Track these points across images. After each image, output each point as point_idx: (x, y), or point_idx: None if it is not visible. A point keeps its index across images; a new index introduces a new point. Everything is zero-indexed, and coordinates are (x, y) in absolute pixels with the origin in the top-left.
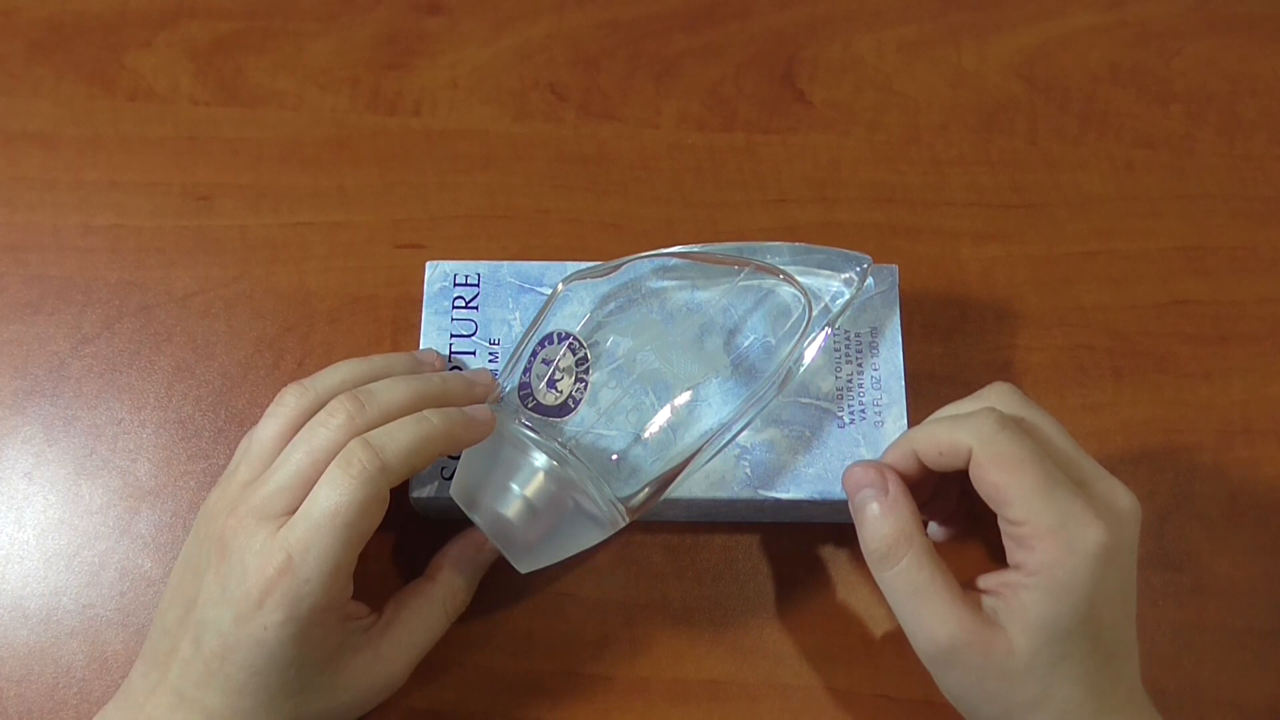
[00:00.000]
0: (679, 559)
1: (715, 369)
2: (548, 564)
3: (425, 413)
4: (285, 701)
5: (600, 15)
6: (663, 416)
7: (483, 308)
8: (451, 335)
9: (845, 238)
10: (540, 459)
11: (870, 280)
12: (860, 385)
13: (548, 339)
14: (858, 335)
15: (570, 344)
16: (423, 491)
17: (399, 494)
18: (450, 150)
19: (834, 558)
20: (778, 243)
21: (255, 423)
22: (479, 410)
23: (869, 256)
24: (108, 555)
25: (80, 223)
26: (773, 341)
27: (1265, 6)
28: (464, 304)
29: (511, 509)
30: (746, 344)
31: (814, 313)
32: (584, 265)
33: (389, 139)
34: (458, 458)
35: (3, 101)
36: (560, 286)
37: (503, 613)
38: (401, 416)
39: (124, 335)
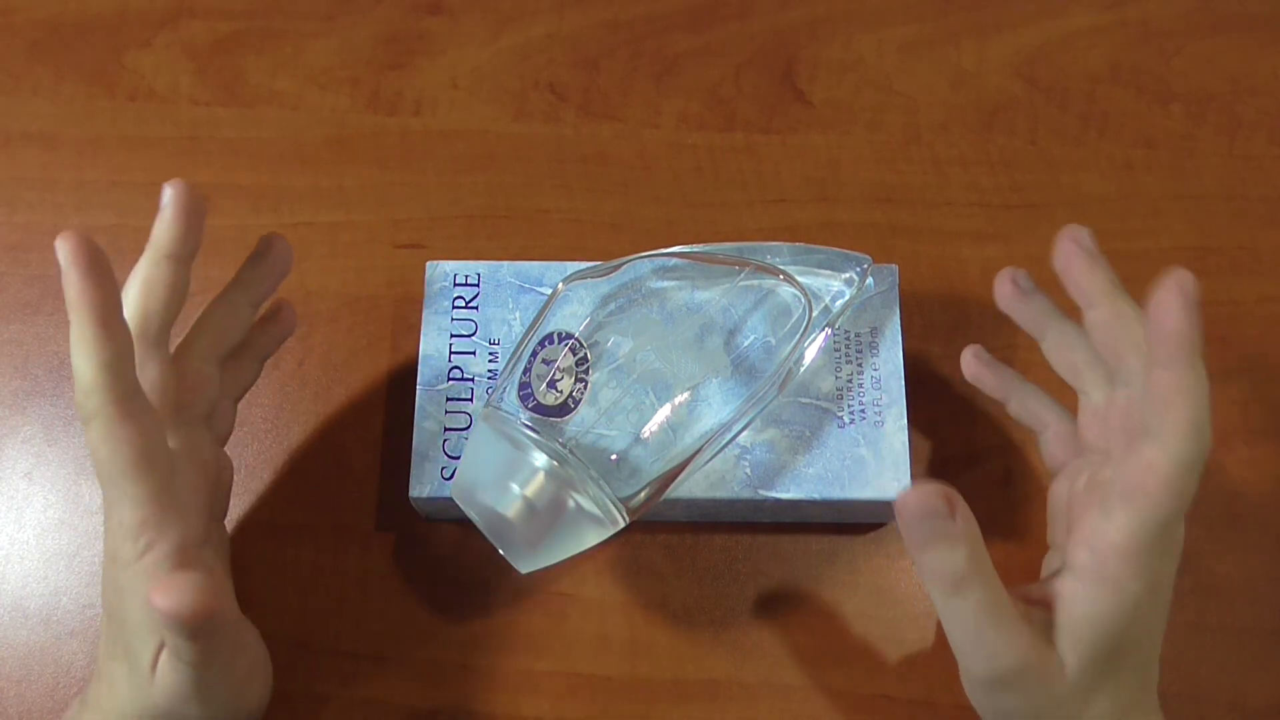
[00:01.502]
0: (679, 559)
1: (715, 369)
2: (548, 564)
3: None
4: (135, 674)
5: (600, 15)
6: (663, 416)
7: (483, 308)
8: (451, 335)
9: (845, 238)
10: (540, 459)
11: (870, 280)
12: (860, 385)
13: (548, 339)
14: (858, 335)
15: (570, 344)
16: (422, 491)
17: (399, 494)
18: (450, 150)
19: (834, 558)
20: (778, 243)
21: (254, 423)
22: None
23: (869, 257)
24: None
25: (80, 223)
26: (773, 341)
27: (1265, 6)
28: (464, 304)
29: (511, 509)
30: (746, 344)
31: (814, 313)
32: (584, 265)
33: (389, 139)
34: (459, 457)
35: (3, 101)
36: (560, 286)
37: (503, 613)
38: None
39: None
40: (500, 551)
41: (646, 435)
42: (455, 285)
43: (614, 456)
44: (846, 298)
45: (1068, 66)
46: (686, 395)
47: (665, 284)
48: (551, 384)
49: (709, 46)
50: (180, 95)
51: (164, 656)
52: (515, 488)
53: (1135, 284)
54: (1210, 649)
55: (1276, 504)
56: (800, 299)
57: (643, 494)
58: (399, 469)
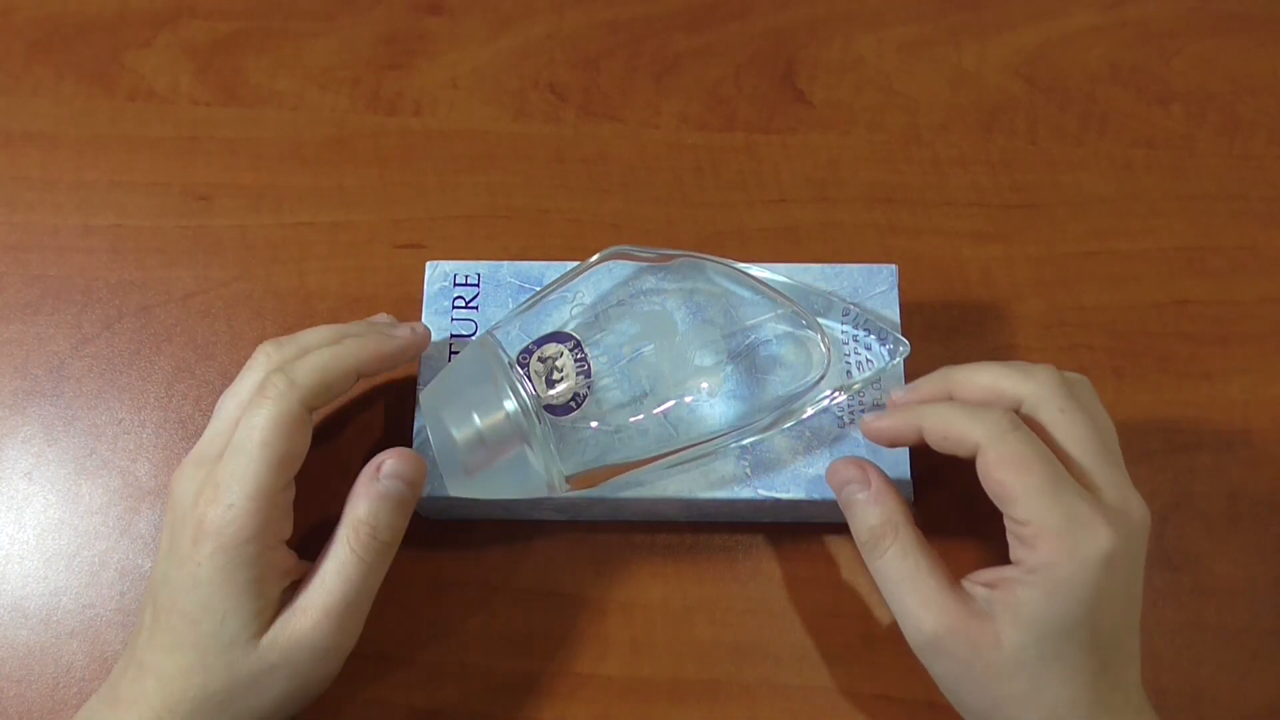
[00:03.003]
0: (679, 559)
1: (710, 387)
2: (477, 497)
3: (339, 336)
4: (218, 658)
5: (600, 15)
6: (642, 415)
7: (483, 308)
8: (451, 335)
9: (845, 238)
10: (510, 404)
11: (899, 360)
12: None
13: (547, 340)
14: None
15: (570, 344)
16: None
17: None
18: (450, 150)
19: (834, 558)
20: (837, 295)
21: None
22: (399, 329)
23: (909, 343)
24: (108, 555)
25: (80, 223)
26: (780, 383)
27: (1265, 6)
28: (464, 304)
29: (462, 432)
30: (750, 374)
31: (829, 374)
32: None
33: (389, 139)
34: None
35: (3, 101)
36: (595, 258)
37: (503, 613)
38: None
39: (124, 335)
40: (438, 467)
41: (617, 428)
42: (455, 285)
43: (581, 437)
44: (872, 370)
45: (1068, 66)
46: (672, 403)
47: (704, 290)
48: (551, 383)
49: (709, 46)
50: (180, 95)
51: (309, 595)
52: (476, 418)
53: (1135, 284)
54: (1210, 649)
55: (1276, 504)
56: (825, 356)
57: (583, 472)
58: None
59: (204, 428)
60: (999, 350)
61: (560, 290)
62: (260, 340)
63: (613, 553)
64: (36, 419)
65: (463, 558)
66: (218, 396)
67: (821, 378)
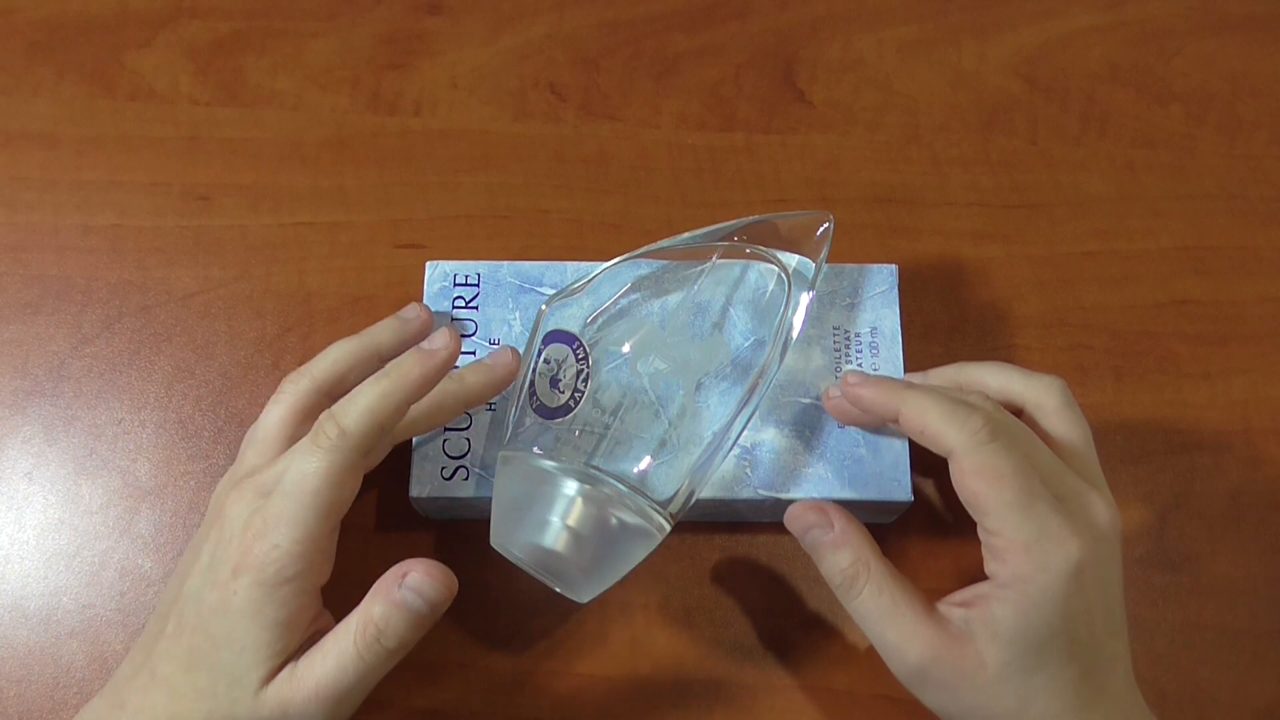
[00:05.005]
0: (679, 559)
1: (716, 357)
2: (605, 588)
3: (381, 372)
4: (228, 691)
5: (600, 15)
6: (678, 413)
7: (483, 308)
8: None
9: (845, 238)
10: (572, 485)
11: (831, 227)
12: None
13: (550, 342)
14: (858, 335)
15: (576, 350)
16: (422, 491)
17: (400, 496)
18: (450, 150)
19: None
20: (739, 220)
21: (255, 421)
22: (435, 341)
23: (830, 213)
24: (108, 555)
25: (80, 223)
26: (761, 317)
27: (1265, 6)
28: (464, 304)
29: (557, 541)
30: (739, 326)
31: (791, 280)
32: (579, 264)
33: (389, 139)
34: (459, 457)
35: (3, 101)
36: (544, 309)
37: (503, 613)
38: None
39: (124, 335)
40: (556, 589)
41: (666, 435)
42: (455, 285)
43: (639, 466)
44: (819, 259)
45: (1068, 66)
46: (696, 388)
47: (647, 288)
48: (565, 410)
49: (709, 46)
50: (180, 95)
51: (308, 666)
52: (555, 519)
53: (1135, 284)
54: (1210, 649)
55: (1276, 504)
56: (774, 270)
57: (679, 494)
58: (399, 469)
59: (204, 428)
60: (999, 350)
61: (528, 361)
62: (260, 340)
63: None
64: (36, 419)
65: (463, 558)
66: (218, 397)
67: (787, 287)
